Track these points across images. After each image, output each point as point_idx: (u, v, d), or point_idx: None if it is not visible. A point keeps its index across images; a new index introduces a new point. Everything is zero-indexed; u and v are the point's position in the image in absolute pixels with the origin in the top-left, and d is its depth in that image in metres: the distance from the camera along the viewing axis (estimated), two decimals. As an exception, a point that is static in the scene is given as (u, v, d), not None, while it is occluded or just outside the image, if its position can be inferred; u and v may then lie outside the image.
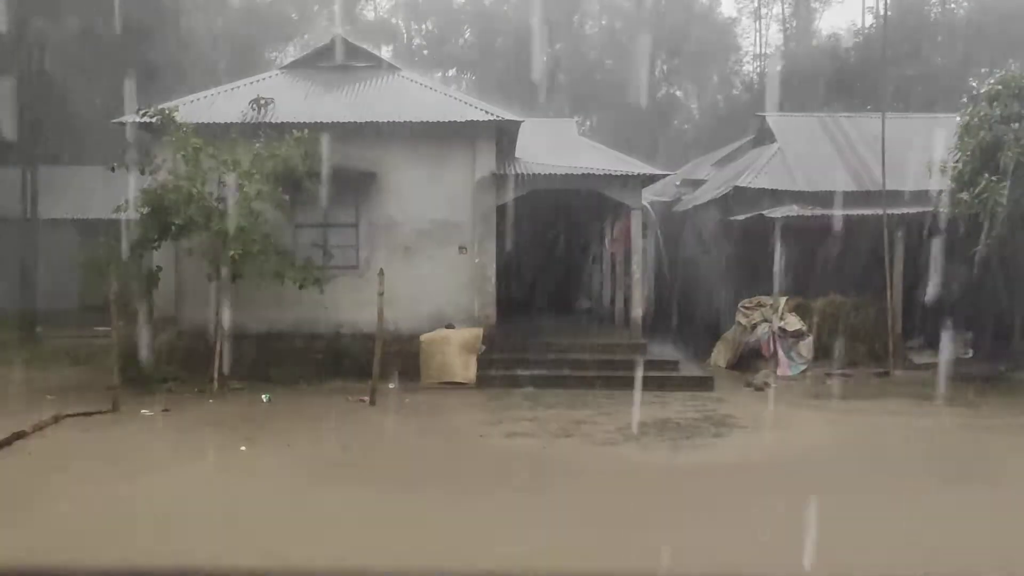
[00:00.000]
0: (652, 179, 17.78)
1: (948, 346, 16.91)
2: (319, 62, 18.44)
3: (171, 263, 15.21)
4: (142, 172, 14.28)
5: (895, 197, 16.79)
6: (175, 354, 14.66)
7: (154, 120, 14.48)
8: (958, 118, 16.22)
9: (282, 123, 15.14)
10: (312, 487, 8.54)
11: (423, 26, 46.98)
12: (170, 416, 12.00)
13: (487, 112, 16.12)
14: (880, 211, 16.36)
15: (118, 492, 8.21)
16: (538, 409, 12.67)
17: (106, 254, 14.27)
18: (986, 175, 14.34)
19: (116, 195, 14.46)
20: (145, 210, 13.69)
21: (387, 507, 7.83)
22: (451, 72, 44.94)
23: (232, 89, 17.22)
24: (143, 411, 12.11)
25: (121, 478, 8.67)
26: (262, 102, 15.79)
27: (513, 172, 16.14)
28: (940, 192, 15.47)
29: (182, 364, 14.44)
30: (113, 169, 14.18)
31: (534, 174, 16.10)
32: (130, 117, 15.32)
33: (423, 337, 15.08)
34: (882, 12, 27.69)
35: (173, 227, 13.62)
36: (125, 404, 12.22)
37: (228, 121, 15.27)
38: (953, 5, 36.38)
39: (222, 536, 6.95)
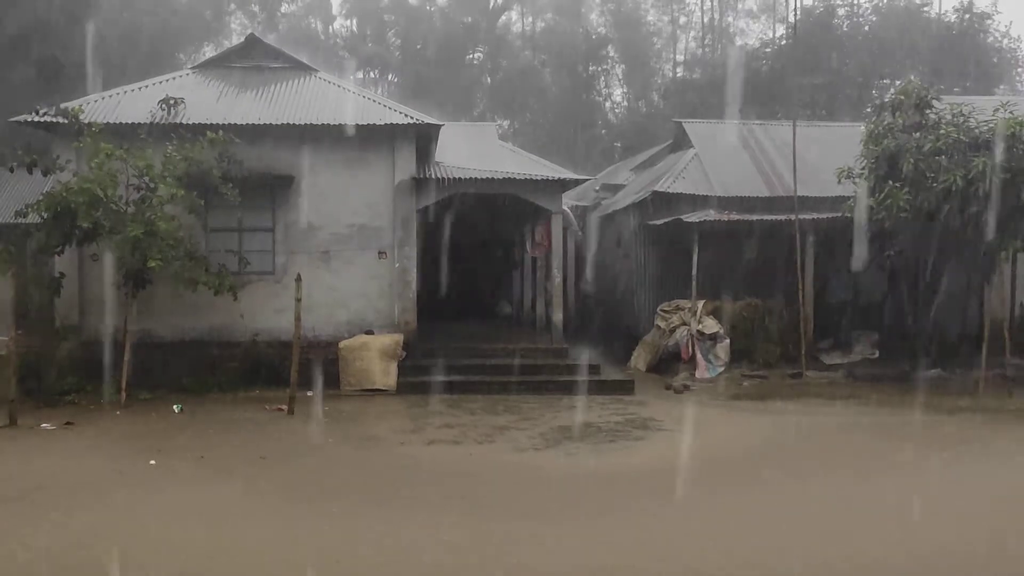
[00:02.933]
0: (572, 184, 17.90)
1: (856, 347, 17.57)
2: (233, 62, 17.94)
3: (75, 269, 14.58)
4: (44, 174, 13.62)
5: (806, 203, 17.31)
6: (79, 364, 14.00)
7: (56, 119, 13.83)
8: (863, 127, 16.82)
9: (194, 124, 14.66)
10: (225, 501, 8.25)
11: (343, 28, 46.40)
12: (73, 430, 11.44)
13: (406, 115, 15.96)
14: (792, 216, 16.83)
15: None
16: (459, 415, 12.59)
17: (4, 260, 13.54)
18: (890, 182, 14.91)
19: (16, 198, 13.78)
20: (47, 214, 13.06)
21: (304, 521, 7.61)
22: (372, 74, 44.44)
23: (140, 88, 16.60)
24: (43, 425, 11.52)
25: (11, 499, 8.20)
26: (171, 102, 15.28)
27: (433, 176, 16.04)
28: (848, 198, 16.00)
29: (87, 375, 13.80)
30: (12, 170, 13.49)
31: (454, 178, 16.03)
32: (31, 116, 14.61)
33: (342, 344, 14.82)
34: (793, 25, 28.57)
35: (78, 231, 13.03)
36: (24, 418, 11.64)
37: (135, 121, 14.73)
38: (861, 20, 37.79)
39: (118, 560, 6.63)
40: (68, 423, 11.71)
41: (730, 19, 45.83)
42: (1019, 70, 37.21)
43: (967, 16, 35.69)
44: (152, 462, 9.64)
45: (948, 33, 35.22)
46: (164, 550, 6.80)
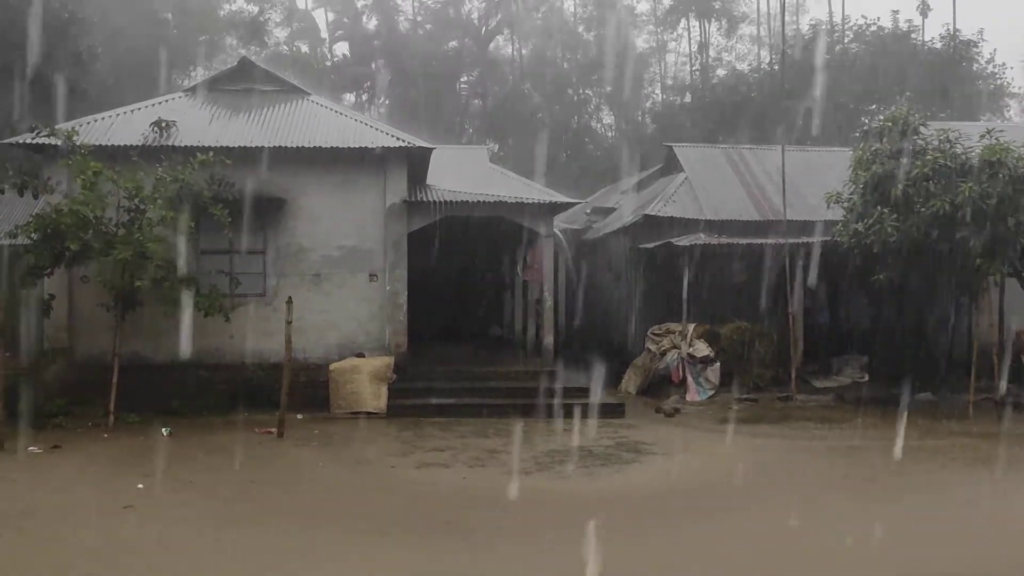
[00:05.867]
0: (563, 207, 17.97)
1: (846, 371, 17.63)
2: (225, 85, 17.99)
3: (64, 291, 14.53)
4: (35, 196, 13.62)
5: (795, 227, 17.42)
6: (67, 387, 13.92)
7: (49, 141, 13.84)
8: (851, 152, 16.98)
9: (186, 146, 14.69)
10: (213, 526, 8.17)
11: (335, 51, 46.62)
12: (60, 453, 11.33)
13: (398, 138, 16.03)
14: (781, 240, 16.93)
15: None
16: (450, 438, 12.54)
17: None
18: (878, 207, 15.03)
19: (7, 219, 13.76)
20: (36, 235, 13.02)
21: (295, 548, 7.55)
22: (363, 97, 44.61)
23: (133, 111, 16.61)
24: (30, 448, 11.41)
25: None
26: (164, 124, 15.30)
27: (425, 199, 16.08)
28: (837, 223, 16.11)
29: (75, 397, 13.71)
30: (2, 191, 13.48)
31: (446, 201, 16.07)
32: (23, 137, 14.62)
33: (333, 366, 14.77)
34: (783, 50, 28.89)
35: (68, 253, 12.99)
36: (11, 441, 11.51)
37: (127, 143, 14.74)
38: (848, 46, 38.26)
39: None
40: (55, 446, 11.59)
41: (720, 43, 46.29)
42: (1006, 100, 37.66)
43: (953, 44, 36.16)
44: (140, 486, 9.55)
45: (935, 60, 35.64)
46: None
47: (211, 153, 13.89)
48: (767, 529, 8.19)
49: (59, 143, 13.72)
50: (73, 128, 14.23)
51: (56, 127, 14.07)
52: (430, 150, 16.24)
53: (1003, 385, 15.28)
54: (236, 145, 15.07)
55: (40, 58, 20.04)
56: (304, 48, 44.39)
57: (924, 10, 36.30)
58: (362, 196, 15.81)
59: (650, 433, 13.24)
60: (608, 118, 46.69)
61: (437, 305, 20.28)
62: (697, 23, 44.88)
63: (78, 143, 13.73)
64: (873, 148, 15.89)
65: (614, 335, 21.21)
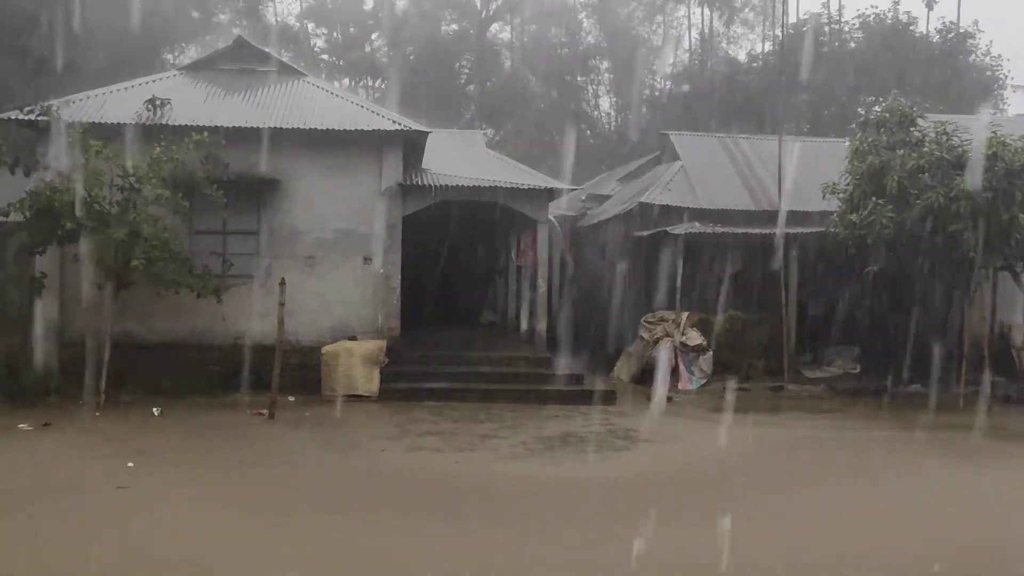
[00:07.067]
0: (558, 193, 17.94)
1: (838, 362, 17.67)
2: (220, 64, 17.86)
3: (56, 269, 14.45)
4: (26, 174, 13.51)
5: (791, 217, 17.40)
6: (59, 365, 13.87)
7: (39, 119, 13.73)
8: (848, 143, 16.94)
9: (180, 125, 14.58)
10: (202, 507, 8.17)
11: (331, 32, 46.29)
12: (51, 431, 11.32)
13: (394, 121, 15.95)
14: (776, 230, 16.92)
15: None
16: (442, 423, 12.56)
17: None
18: (873, 198, 15.03)
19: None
20: (30, 213, 12.94)
21: (276, 528, 7.56)
22: (358, 80, 44.35)
23: (126, 88, 16.48)
24: (20, 425, 11.40)
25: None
26: (158, 103, 15.17)
27: (420, 183, 16.03)
28: (832, 214, 16.11)
29: (67, 376, 13.66)
30: (-6, 169, 13.37)
31: (441, 186, 16.02)
32: (14, 114, 14.50)
33: (325, 349, 14.75)
34: (781, 40, 28.82)
35: (61, 231, 12.91)
36: (1, 418, 11.49)
37: (120, 121, 14.63)
38: (846, 37, 38.17)
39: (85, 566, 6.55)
40: (46, 424, 11.58)
41: (719, 31, 46.11)
42: (1003, 92, 37.60)
43: (951, 36, 36.08)
44: (130, 465, 9.55)
45: (933, 52, 35.57)
46: (134, 557, 6.72)
47: (205, 133, 13.81)
48: (752, 516, 8.21)
49: (49, 120, 13.59)
50: (57, 106, 14.11)
51: (45, 104, 13.94)
52: (426, 134, 16.17)
53: (993, 378, 15.34)
54: (231, 125, 14.96)
55: (35, 34, 19.88)
56: (297, 25, 44.12)
57: (930, 1, 36.11)
58: (357, 179, 15.74)
59: (641, 421, 13.27)
60: (606, 105, 46.58)
61: (431, 290, 20.26)
62: (699, 9, 44.70)
63: (73, 120, 13.62)
64: (870, 139, 15.87)
65: (608, 322, 21.19)
